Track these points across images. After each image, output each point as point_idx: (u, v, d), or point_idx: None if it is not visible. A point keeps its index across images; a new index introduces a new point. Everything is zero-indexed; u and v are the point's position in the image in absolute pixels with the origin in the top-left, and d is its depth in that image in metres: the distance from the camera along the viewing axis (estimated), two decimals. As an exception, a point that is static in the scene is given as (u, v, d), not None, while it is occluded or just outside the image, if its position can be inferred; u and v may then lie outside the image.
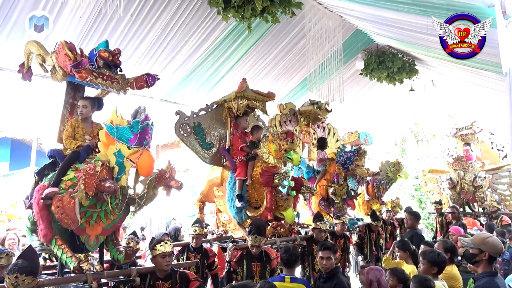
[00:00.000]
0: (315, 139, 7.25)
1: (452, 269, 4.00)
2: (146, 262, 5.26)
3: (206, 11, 6.10)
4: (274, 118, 6.43)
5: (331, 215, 6.46)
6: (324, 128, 7.57)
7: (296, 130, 6.78)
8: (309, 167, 7.05)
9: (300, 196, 5.39)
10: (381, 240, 7.12)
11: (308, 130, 7.08)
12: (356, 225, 6.93)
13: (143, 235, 8.61)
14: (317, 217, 5.49)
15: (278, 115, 6.51)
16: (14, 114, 7.40)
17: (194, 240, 4.80)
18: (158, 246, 3.54)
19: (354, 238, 6.88)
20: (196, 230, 4.78)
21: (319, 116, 7.05)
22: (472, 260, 3.18)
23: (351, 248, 6.63)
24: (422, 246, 4.68)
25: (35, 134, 6.94)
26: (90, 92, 4.07)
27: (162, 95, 7.48)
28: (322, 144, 7.10)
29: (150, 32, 6.10)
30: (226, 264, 4.49)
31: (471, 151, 9.94)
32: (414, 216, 6.79)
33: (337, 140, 7.85)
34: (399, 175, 7.83)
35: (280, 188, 4.88)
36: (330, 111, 7.06)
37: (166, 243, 3.57)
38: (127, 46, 6.13)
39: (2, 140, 9.40)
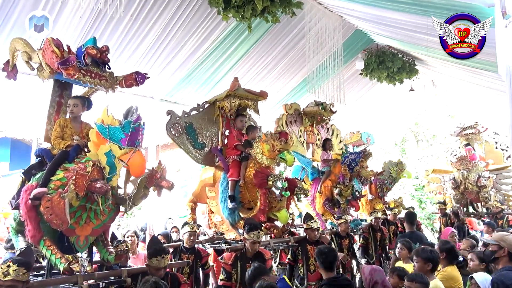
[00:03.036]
0: (319, 139, 7.25)
1: (452, 270, 3.98)
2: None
3: (206, 11, 6.09)
4: (281, 118, 6.42)
5: (335, 216, 6.45)
6: (327, 129, 7.57)
7: (301, 131, 6.79)
8: (314, 167, 7.05)
9: (302, 196, 5.37)
10: (386, 240, 7.12)
11: (312, 130, 7.09)
12: (360, 226, 6.92)
13: (144, 236, 8.59)
14: (307, 218, 5.48)
15: (285, 115, 6.51)
16: (14, 114, 7.39)
17: (191, 238, 4.79)
18: (154, 260, 3.52)
19: (359, 239, 6.87)
20: (193, 228, 4.83)
21: (323, 117, 7.06)
22: (492, 257, 3.20)
23: (356, 249, 6.62)
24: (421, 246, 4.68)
25: (35, 134, 6.92)
26: (77, 90, 4.02)
27: (162, 95, 7.48)
28: (326, 145, 7.11)
29: (150, 32, 6.09)
30: (222, 269, 4.45)
31: (474, 150, 9.92)
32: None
33: (340, 141, 7.85)
34: (402, 175, 7.86)
35: (273, 189, 4.85)
36: (335, 112, 7.06)
37: (162, 257, 3.53)
38: (127, 46, 6.13)
39: (2, 140, 9.39)
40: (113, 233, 4.13)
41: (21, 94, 6.24)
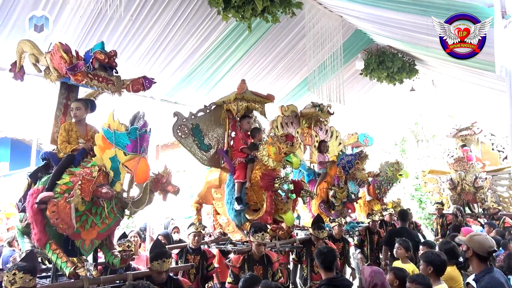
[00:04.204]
0: (317, 141, 7.23)
1: (452, 270, 3.98)
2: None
3: (206, 11, 6.09)
4: (275, 120, 6.40)
5: (331, 218, 6.44)
6: (326, 130, 7.54)
7: (297, 132, 6.78)
8: (310, 169, 7.03)
9: (299, 199, 5.37)
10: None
11: (310, 132, 7.07)
12: (356, 228, 6.90)
13: (144, 236, 8.58)
14: (316, 222, 5.44)
15: (280, 117, 6.49)
16: (14, 114, 7.40)
17: (196, 238, 4.81)
18: (155, 264, 3.51)
19: (355, 240, 6.86)
20: (197, 228, 4.86)
21: (321, 119, 7.04)
22: (465, 258, 3.24)
23: (352, 250, 6.59)
24: (421, 247, 4.68)
25: (35, 134, 6.92)
26: (83, 91, 4.02)
27: (162, 95, 7.47)
28: (321, 147, 7.09)
29: (150, 32, 6.09)
30: (229, 272, 4.46)
31: (470, 151, 9.92)
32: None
33: (340, 143, 7.82)
34: (399, 174, 7.82)
35: (279, 191, 4.85)
36: (332, 113, 7.05)
37: (163, 261, 3.52)
38: (127, 46, 6.13)
39: (2, 140, 9.41)
40: (124, 233, 4.16)
41: (21, 94, 6.24)
